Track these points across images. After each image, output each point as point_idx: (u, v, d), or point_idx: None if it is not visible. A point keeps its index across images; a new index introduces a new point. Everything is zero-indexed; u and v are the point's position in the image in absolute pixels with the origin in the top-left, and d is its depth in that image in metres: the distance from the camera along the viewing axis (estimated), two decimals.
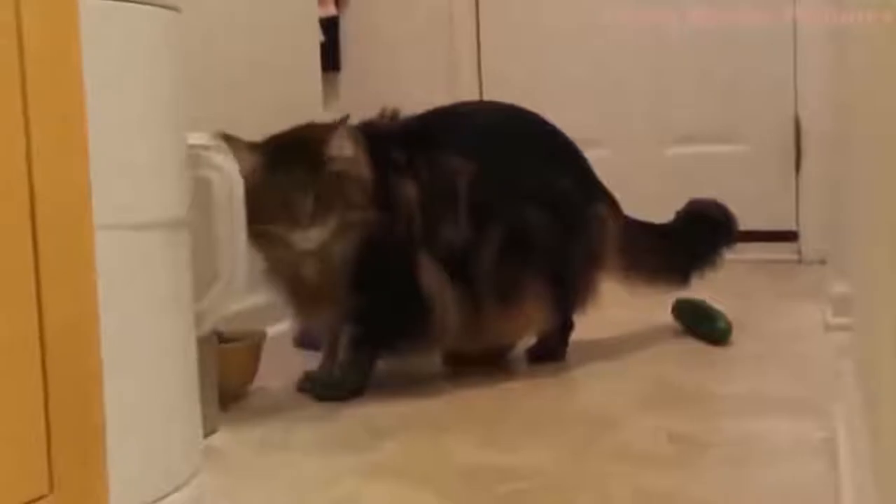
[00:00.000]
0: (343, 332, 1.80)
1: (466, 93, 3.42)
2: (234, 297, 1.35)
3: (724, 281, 2.15)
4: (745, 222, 2.19)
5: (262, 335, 1.83)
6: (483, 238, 1.80)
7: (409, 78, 3.50)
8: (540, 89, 3.22)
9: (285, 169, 1.67)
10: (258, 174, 1.64)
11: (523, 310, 1.86)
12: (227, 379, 1.68)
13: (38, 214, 0.78)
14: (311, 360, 1.90)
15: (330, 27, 3.40)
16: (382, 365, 1.84)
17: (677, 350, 2.06)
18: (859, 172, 1.32)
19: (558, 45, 3.41)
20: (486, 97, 3.42)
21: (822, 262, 2.87)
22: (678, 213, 2.15)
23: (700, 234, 2.13)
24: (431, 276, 1.77)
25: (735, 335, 2.07)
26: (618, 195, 2.02)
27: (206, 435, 1.37)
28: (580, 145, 1.99)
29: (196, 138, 1.26)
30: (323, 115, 2.23)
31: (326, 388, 1.78)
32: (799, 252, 3.15)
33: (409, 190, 1.77)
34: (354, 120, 1.78)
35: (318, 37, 2.55)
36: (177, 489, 1.08)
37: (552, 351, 1.99)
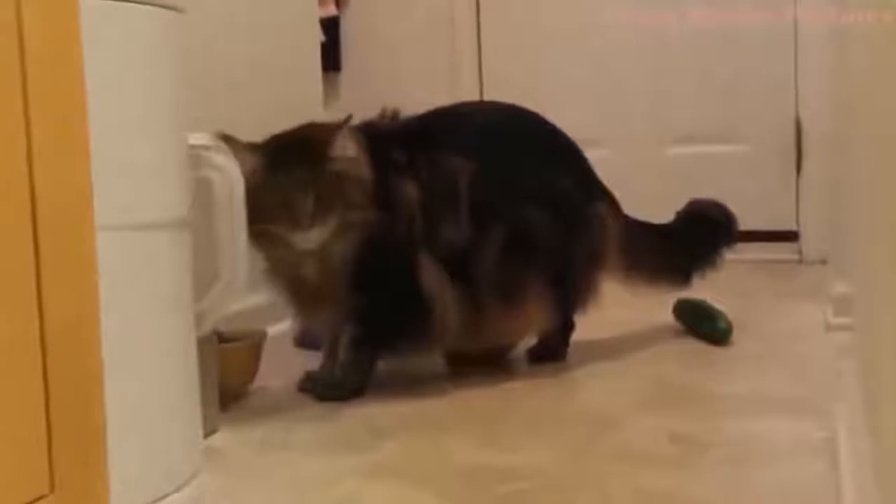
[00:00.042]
0: (344, 332, 1.80)
1: (467, 93, 3.42)
2: (235, 297, 1.35)
3: (724, 281, 2.15)
4: (745, 222, 2.19)
5: (263, 335, 1.83)
6: (484, 238, 1.80)
7: (409, 78, 3.50)
8: (540, 89, 3.23)
9: (286, 169, 1.67)
10: (258, 174, 1.64)
11: (525, 310, 1.86)
12: (228, 379, 1.68)
13: (38, 214, 0.78)
14: (312, 360, 1.90)
15: (330, 27, 3.41)
16: (383, 365, 1.84)
17: (678, 350, 2.06)
18: (860, 172, 1.32)
19: (559, 46, 3.41)
20: (486, 97, 3.42)
21: (823, 262, 2.87)
22: (678, 214, 2.15)
23: (700, 235, 2.13)
24: (432, 276, 1.77)
25: (736, 335, 2.07)
26: (618, 195, 2.02)
27: (207, 435, 1.37)
28: (580, 145, 1.99)
29: (197, 138, 1.26)
30: (323, 116, 2.24)
31: (327, 388, 1.78)
32: (800, 252, 3.15)
33: (409, 190, 1.77)
34: (355, 120, 1.78)
35: (318, 37, 2.55)
36: (177, 489, 1.08)
37: (553, 351, 1.99)
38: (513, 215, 1.83)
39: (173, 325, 1.11)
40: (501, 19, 3.48)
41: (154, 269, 1.07)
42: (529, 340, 1.99)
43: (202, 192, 1.29)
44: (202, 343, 1.24)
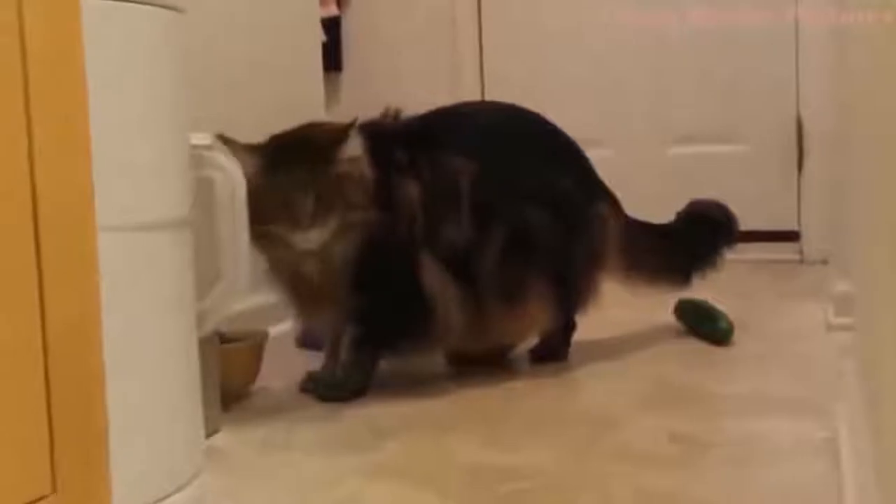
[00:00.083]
0: (345, 333, 1.80)
1: (468, 93, 3.43)
2: (237, 298, 1.35)
3: (725, 281, 2.15)
4: (746, 222, 2.19)
5: (265, 335, 1.84)
6: (485, 238, 1.80)
7: (411, 78, 3.50)
8: (541, 89, 3.23)
9: (286, 169, 1.67)
10: (259, 175, 1.64)
11: (527, 310, 1.86)
12: (230, 379, 1.68)
13: (40, 215, 0.79)
14: (314, 361, 1.90)
15: (332, 27, 3.41)
16: (384, 365, 1.84)
17: (679, 350, 2.06)
18: (861, 172, 1.32)
19: (560, 46, 3.41)
20: (488, 97, 3.42)
21: (824, 261, 2.87)
22: (679, 214, 2.15)
23: (701, 235, 2.13)
24: (433, 276, 1.77)
25: (737, 335, 2.07)
26: (619, 195, 2.02)
27: (209, 435, 1.37)
28: (581, 145, 1.99)
29: (198, 139, 1.26)
30: (325, 116, 2.24)
31: (329, 389, 1.78)
32: (801, 252, 3.15)
33: (411, 190, 1.77)
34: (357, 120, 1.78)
35: (319, 37, 2.55)
36: (179, 489, 1.08)
37: (554, 351, 1.99)
38: (514, 215, 1.83)
39: (175, 325, 1.11)
40: (503, 19, 3.48)
41: (155, 270, 1.07)
42: (531, 340, 1.99)
43: (204, 192, 1.29)
44: (204, 343, 1.24)
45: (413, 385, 1.84)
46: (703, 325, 2.12)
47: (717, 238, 2.14)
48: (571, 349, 2.01)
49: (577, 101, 3.30)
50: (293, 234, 1.66)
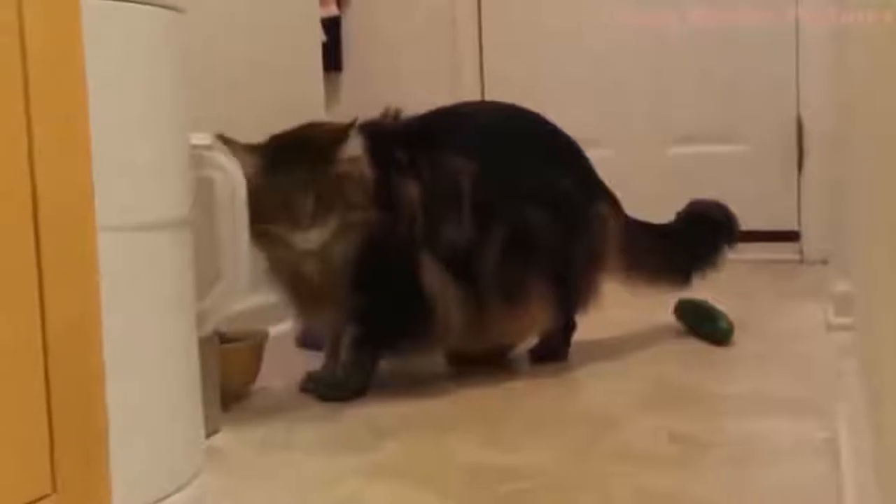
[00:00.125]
0: (345, 333, 1.80)
1: (468, 93, 3.43)
2: (237, 297, 1.35)
3: (725, 281, 2.15)
4: (746, 222, 2.19)
5: (265, 335, 1.84)
6: (485, 238, 1.80)
7: (411, 78, 3.51)
8: (541, 89, 3.23)
9: (286, 169, 1.67)
10: (259, 175, 1.64)
11: (528, 310, 1.86)
12: (230, 379, 1.68)
13: (40, 215, 0.79)
14: (314, 361, 1.90)
15: (332, 27, 3.41)
16: (385, 365, 1.84)
17: (679, 350, 2.06)
18: (861, 172, 1.32)
19: (559, 46, 3.41)
20: (488, 97, 3.42)
21: (824, 261, 2.87)
22: (679, 214, 2.15)
23: (701, 235, 2.13)
24: (433, 276, 1.77)
25: (737, 335, 2.07)
26: (618, 195, 2.02)
27: (208, 435, 1.37)
28: (581, 145, 1.99)
29: (198, 139, 1.26)
30: (325, 116, 2.24)
31: (329, 389, 1.78)
32: (801, 252, 3.15)
33: (411, 190, 1.77)
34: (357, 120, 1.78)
35: (319, 37, 2.55)
36: (179, 489, 1.08)
37: (555, 351, 1.99)
38: (514, 215, 1.83)
39: (175, 325, 1.11)
40: (503, 19, 3.48)
41: (155, 270, 1.07)
42: (531, 340, 1.99)
43: (204, 192, 1.29)
44: (204, 343, 1.24)
45: (413, 385, 1.84)
46: (703, 325, 2.12)
47: (717, 238, 2.14)
48: (571, 349, 2.01)
49: (577, 101, 3.31)
50: (293, 233, 1.66)
